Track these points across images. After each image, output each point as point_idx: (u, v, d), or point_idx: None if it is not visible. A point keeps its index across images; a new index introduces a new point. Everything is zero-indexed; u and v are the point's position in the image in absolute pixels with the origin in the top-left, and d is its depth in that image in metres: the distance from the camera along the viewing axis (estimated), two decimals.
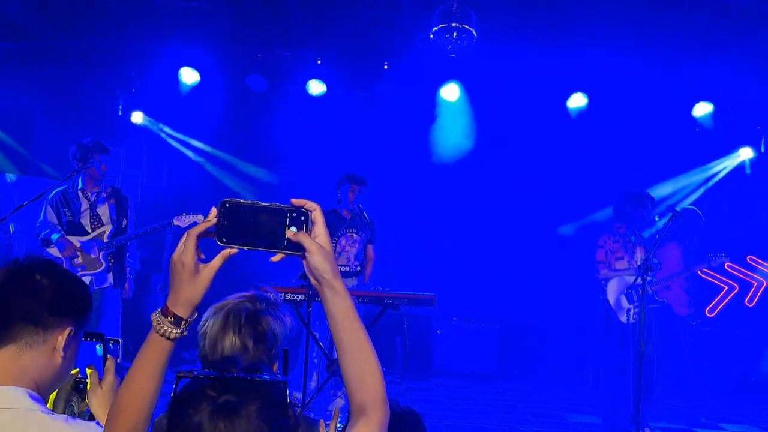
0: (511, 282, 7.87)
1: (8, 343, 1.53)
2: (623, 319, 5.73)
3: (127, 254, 5.42)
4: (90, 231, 5.22)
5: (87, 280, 5.17)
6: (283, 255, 1.30)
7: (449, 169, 7.97)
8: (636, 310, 5.68)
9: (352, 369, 1.35)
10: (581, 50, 6.96)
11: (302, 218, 1.29)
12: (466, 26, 5.72)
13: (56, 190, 5.26)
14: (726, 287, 7.84)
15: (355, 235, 5.85)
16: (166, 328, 1.32)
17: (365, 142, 7.71)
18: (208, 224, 1.30)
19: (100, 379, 1.80)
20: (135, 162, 7.90)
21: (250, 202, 1.28)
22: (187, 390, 1.22)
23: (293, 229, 1.28)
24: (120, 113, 7.63)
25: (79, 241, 5.17)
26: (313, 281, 1.35)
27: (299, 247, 1.28)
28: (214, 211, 1.29)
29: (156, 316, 1.34)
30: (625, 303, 5.73)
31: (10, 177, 7.04)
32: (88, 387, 1.80)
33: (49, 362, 1.56)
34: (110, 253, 5.24)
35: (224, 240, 1.28)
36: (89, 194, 5.27)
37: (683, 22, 6.70)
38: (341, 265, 5.82)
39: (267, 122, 7.70)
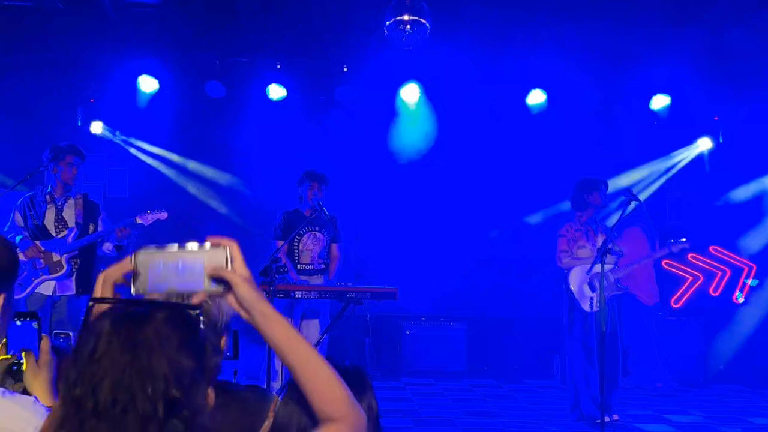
0: (476, 278, 7.90)
1: None
2: (586, 307, 5.74)
3: (95, 259, 5.31)
4: (54, 234, 5.14)
5: (50, 286, 5.10)
6: (205, 295, 1.29)
7: (412, 167, 7.99)
8: (599, 298, 5.70)
9: (310, 386, 1.34)
10: (538, 47, 7.05)
11: (221, 255, 1.28)
12: (418, 18, 5.77)
13: (26, 195, 5.26)
14: (690, 278, 7.94)
15: (318, 234, 5.81)
16: None
17: (327, 144, 7.72)
18: (123, 269, 1.32)
19: (36, 360, 1.76)
20: (96, 172, 7.79)
21: (166, 248, 1.27)
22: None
23: (213, 266, 1.27)
24: (79, 124, 7.55)
25: (43, 244, 5.10)
26: (243, 314, 1.33)
27: (221, 284, 1.27)
28: (128, 259, 1.29)
29: None
30: (587, 291, 5.74)
31: None
32: (23, 368, 1.75)
33: None
34: (73, 257, 5.14)
35: (140, 289, 1.26)
36: (56, 198, 5.21)
37: (639, 15, 6.83)
38: (305, 264, 5.78)
39: (229, 128, 7.69)
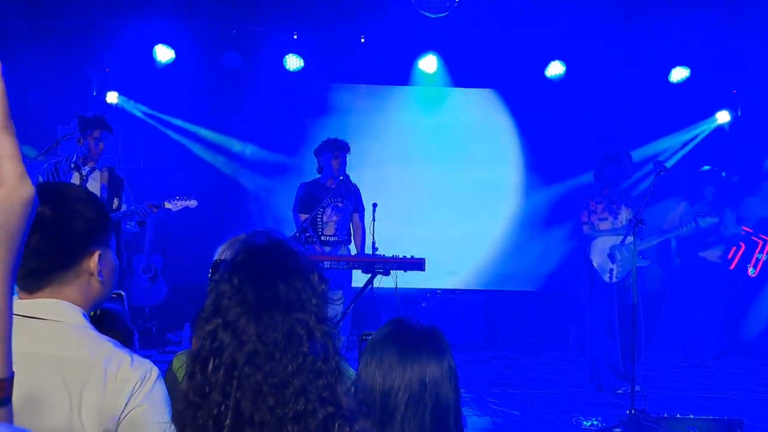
0: (495, 250, 7.88)
1: (43, 288, 1.44)
2: (606, 278, 5.74)
3: (120, 235, 5.25)
4: None
5: None
6: None
7: (429, 139, 7.94)
8: (619, 270, 5.71)
9: None
10: (557, 17, 6.96)
11: None
12: None
13: (50, 161, 5.15)
14: None
15: (340, 204, 5.79)
16: None
17: (344, 114, 7.64)
18: None
19: None
20: (111, 143, 7.68)
21: None
22: None
23: None
24: (94, 94, 7.45)
25: None
26: None
27: None
28: None
29: None
30: (608, 263, 5.74)
31: None
32: None
33: (89, 287, 1.49)
34: None
35: None
36: (82, 169, 5.11)
37: None
38: (329, 236, 5.76)
39: (245, 98, 7.61)
